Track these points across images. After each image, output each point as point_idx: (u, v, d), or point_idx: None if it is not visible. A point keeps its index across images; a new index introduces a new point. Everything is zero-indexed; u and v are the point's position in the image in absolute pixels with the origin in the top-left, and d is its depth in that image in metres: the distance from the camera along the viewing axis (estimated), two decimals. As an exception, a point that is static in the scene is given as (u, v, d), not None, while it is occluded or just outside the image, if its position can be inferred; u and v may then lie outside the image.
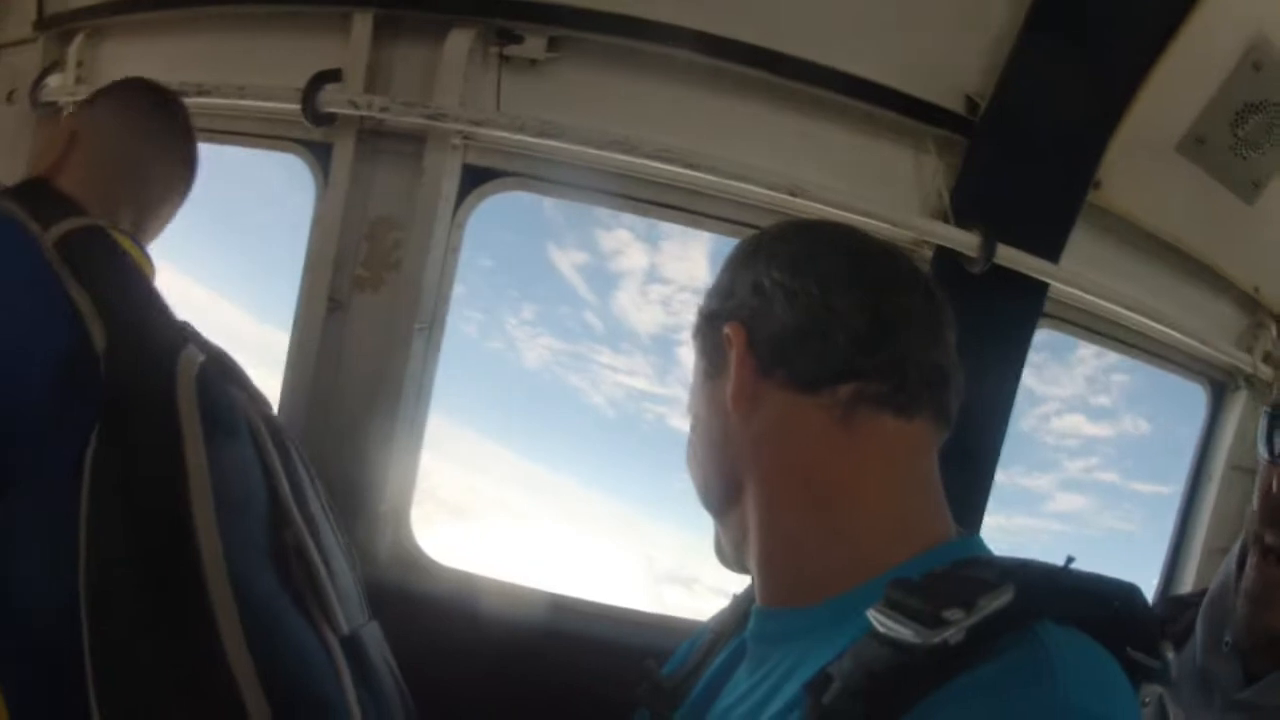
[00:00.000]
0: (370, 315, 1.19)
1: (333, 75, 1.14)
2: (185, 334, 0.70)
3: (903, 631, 0.44)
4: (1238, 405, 1.60)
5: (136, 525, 0.58)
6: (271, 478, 0.66)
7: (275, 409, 1.20)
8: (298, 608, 0.65)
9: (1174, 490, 1.64)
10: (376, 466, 1.20)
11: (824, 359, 0.57)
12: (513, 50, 1.14)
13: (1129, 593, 0.55)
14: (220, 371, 0.70)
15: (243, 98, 1.15)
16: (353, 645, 0.68)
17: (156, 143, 0.88)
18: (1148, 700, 0.49)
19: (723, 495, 0.63)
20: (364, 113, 1.12)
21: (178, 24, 1.17)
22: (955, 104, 1.24)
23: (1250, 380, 1.59)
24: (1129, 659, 0.49)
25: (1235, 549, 0.92)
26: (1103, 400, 1.59)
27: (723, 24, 1.16)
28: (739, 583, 0.67)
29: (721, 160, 1.16)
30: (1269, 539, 0.77)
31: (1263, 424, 0.83)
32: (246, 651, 0.57)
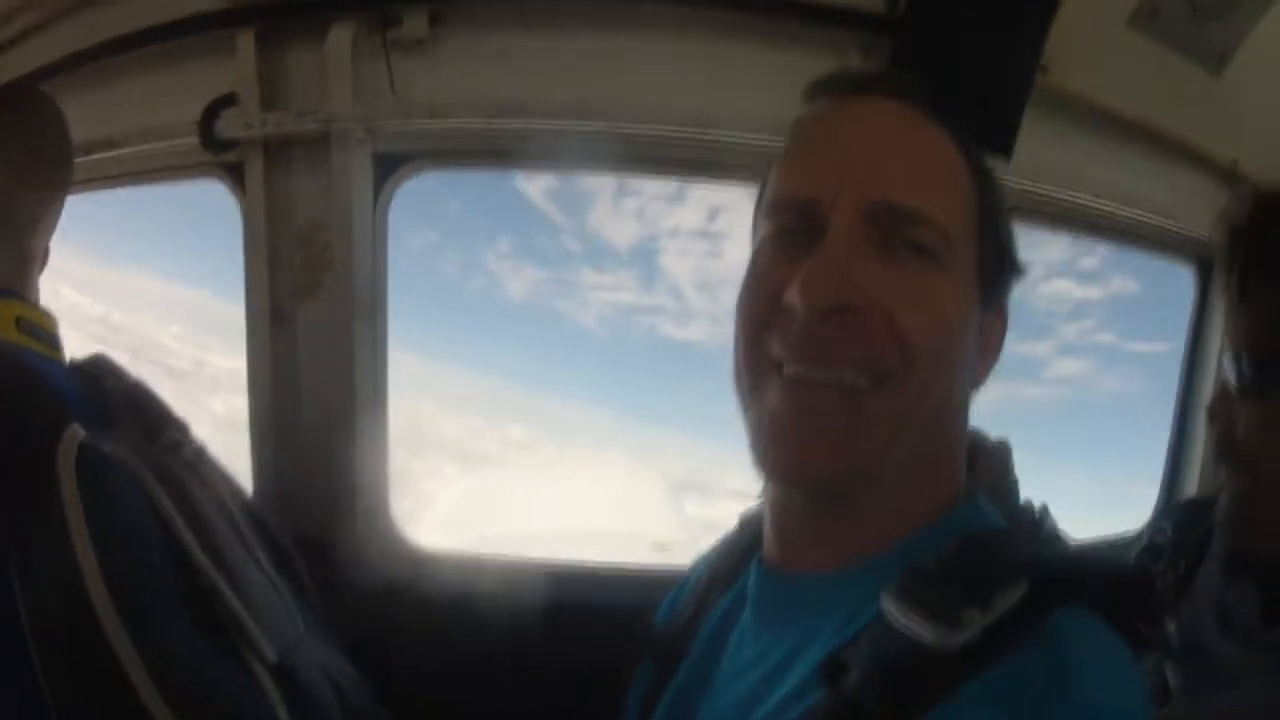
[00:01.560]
0: (315, 319, 1.21)
1: (229, 99, 1.16)
2: (67, 407, 0.70)
3: (922, 632, 0.46)
4: None
5: (37, 613, 0.60)
6: (169, 531, 0.67)
7: (248, 425, 1.26)
8: (221, 647, 0.67)
9: (1173, 347, 1.58)
10: (350, 466, 1.23)
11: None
12: (396, 34, 1.13)
13: (1134, 569, 0.56)
14: (110, 433, 0.71)
15: (148, 141, 1.19)
16: (284, 671, 0.70)
17: (6, 166, 0.82)
18: (1148, 666, 0.50)
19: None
20: (262, 131, 1.14)
21: (73, 82, 1.20)
22: (873, 3, 1.18)
23: None
24: (1133, 629, 0.49)
25: None
26: (1089, 262, 1.53)
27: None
28: (755, 485, 0.64)
29: (624, 104, 1.14)
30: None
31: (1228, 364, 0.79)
32: (165, 704, 0.60)
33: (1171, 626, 0.52)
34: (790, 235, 0.57)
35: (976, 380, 0.62)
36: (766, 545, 0.63)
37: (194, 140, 1.17)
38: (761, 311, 0.57)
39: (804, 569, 0.60)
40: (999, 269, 0.62)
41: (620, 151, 1.19)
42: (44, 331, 0.83)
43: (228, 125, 1.15)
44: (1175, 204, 1.52)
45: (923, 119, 0.59)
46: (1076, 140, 1.38)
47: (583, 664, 0.95)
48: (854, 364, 0.54)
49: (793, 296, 0.53)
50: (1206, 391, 1.56)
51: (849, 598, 0.54)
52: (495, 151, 1.21)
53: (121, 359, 0.86)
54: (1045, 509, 1.06)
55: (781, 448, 0.56)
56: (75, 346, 0.87)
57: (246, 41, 1.15)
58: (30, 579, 0.61)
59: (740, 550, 0.72)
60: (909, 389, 0.54)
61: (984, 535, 0.55)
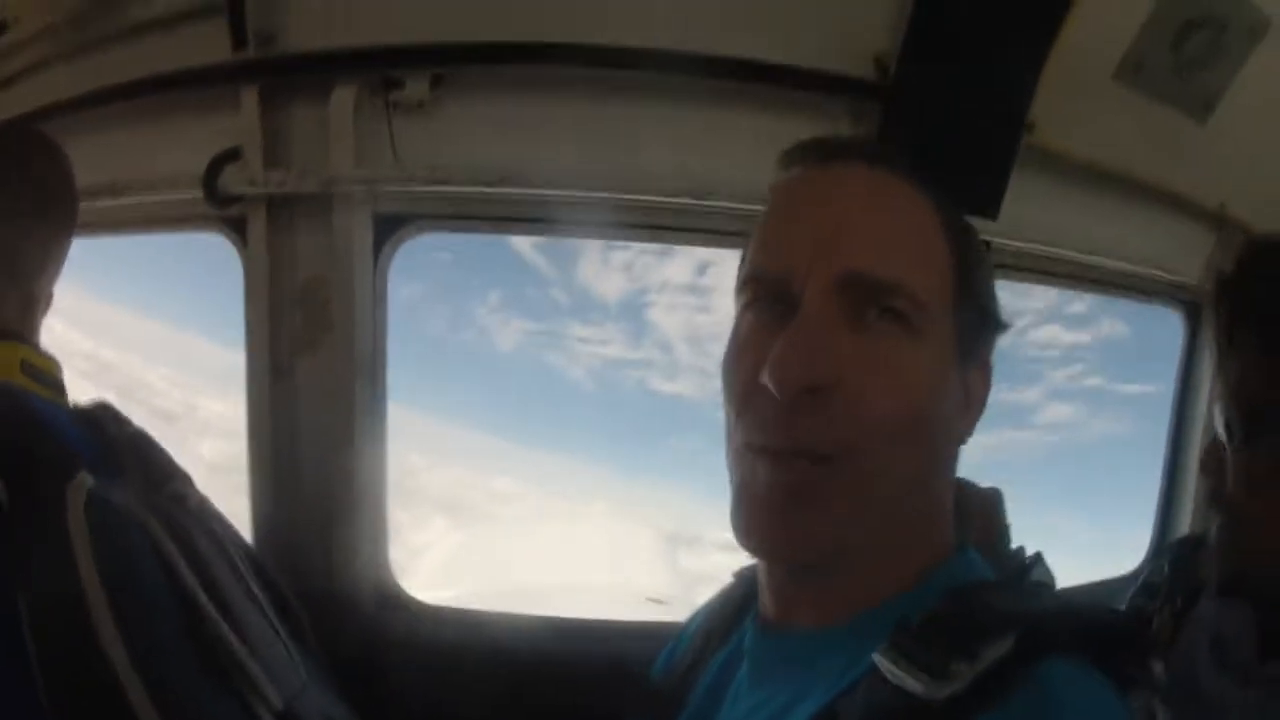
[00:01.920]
0: (315, 377, 1.23)
1: (233, 154, 1.17)
2: (76, 453, 0.71)
3: (911, 683, 0.47)
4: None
5: (48, 658, 0.61)
6: (175, 579, 0.69)
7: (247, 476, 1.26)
8: (228, 694, 0.68)
9: (1160, 389, 1.61)
10: (348, 518, 1.24)
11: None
12: (397, 96, 1.15)
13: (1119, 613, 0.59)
14: (117, 480, 0.72)
15: (151, 191, 1.20)
16: (288, 718, 0.72)
17: (12, 211, 0.82)
18: (1136, 706, 0.51)
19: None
20: (264, 190, 1.15)
21: (79, 126, 1.21)
22: (864, 69, 1.19)
23: None
24: (1120, 672, 0.51)
25: None
26: (1077, 307, 1.55)
27: (607, 33, 1.14)
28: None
29: (621, 171, 1.16)
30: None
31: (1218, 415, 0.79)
32: None
33: (1159, 667, 0.53)
34: (767, 306, 0.58)
35: (960, 435, 0.63)
36: (761, 602, 0.65)
37: (197, 193, 1.18)
38: (742, 391, 0.58)
39: (798, 626, 0.61)
40: (980, 327, 0.62)
41: (617, 218, 1.21)
42: (49, 377, 0.83)
43: (231, 181, 1.16)
44: (1163, 251, 1.55)
45: (895, 183, 0.60)
46: (1063, 196, 1.40)
47: (578, 717, 0.95)
48: (821, 442, 0.55)
49: (765, 377, 0.54)
50: (1197, 434, 1.59)
51: (842, 653, 0.56)
52: (493, 215, 1.22)
53: (110, 397, 0.87)
54: (1038, 556, 1.07)
55: (752, 527, 0.57)
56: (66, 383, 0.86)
57: (250, 97, 1.16)
58: (40, 620, 0.62)
59: (735, 605, 0.74)
60: (875, 464, 0.55)
61: (972, 589, 0.56)
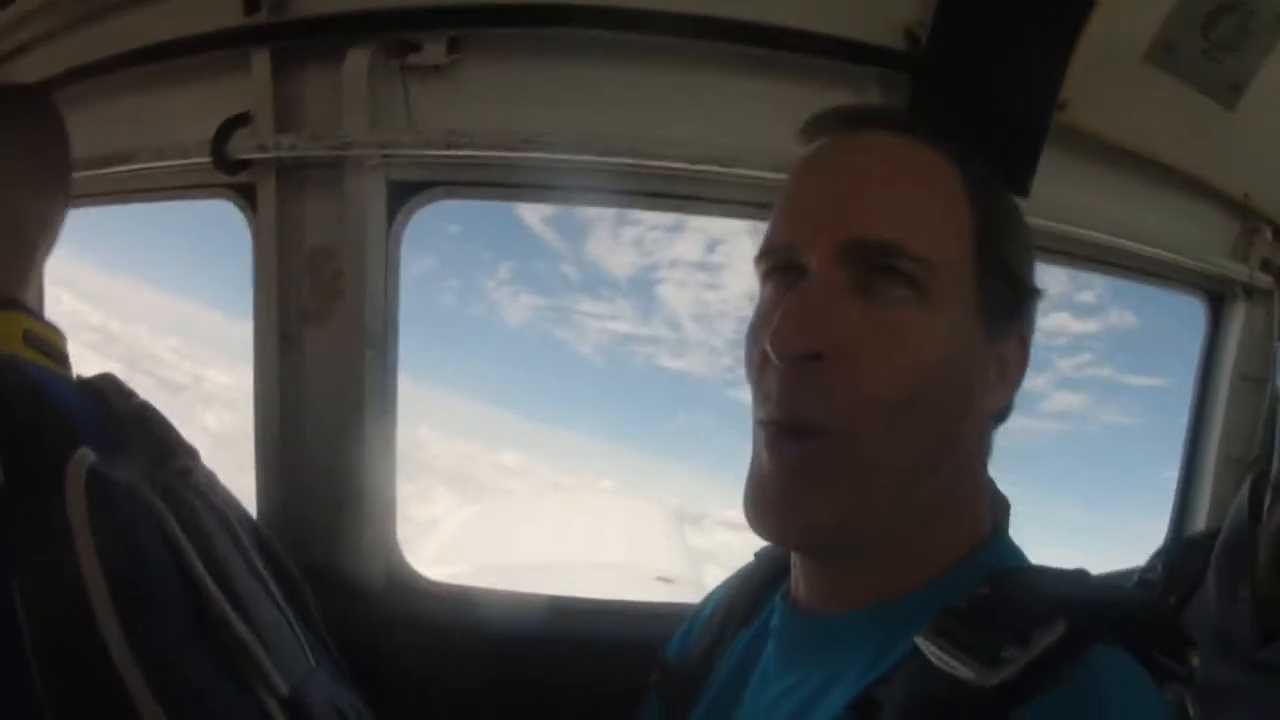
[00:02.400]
0: (324, 347, 1.20)
1: (243, 119, 1.14)
2: (77, 427, 0.68)
3: (961, 669, 0.46)
4: (1238, 315, 1.54)
5: (42, 639, 0.58)
6: (180, 556, 0.65)
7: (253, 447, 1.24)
8: (232, 679, 0.65)
9: (1169, 382, 1.60)
10: (356, 494, 1.22)
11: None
12: (414, 60, 1.12)
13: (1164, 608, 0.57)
14: (119, 456, 0.69)
15: (162, 158, 1.17)
16: (294, 703, 0.69)
17: (14, 174, 0.78)
18: (1169, 698, 0.50)
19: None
20: (275, 154, 1.12)
21: (87, 94, 1.18)
22: (894, 40, 1.16)
23: (1248, 290, 1.51)
24: (1158, 664, 0.49)
25: (1244, 490, 0.88)
26: (1087, 296, 1.54)
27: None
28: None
29: (640, 136, 1.13)
30: None
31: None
32: None
33: (1197, 660, 0.52)
34: (780, 277, 0.58)
35: (992, 410, 0.61)
36: (793, 583, 0.63)
37: (206, 159, 1.15)
38: (755, 366, 0.58)
39: (830, 609, 0.59)
40: (1008, 296, 0.59)
41: (634, 185, 1.18)
42: (52, 347, 0.80)
43: (240, 146, 1.14)
44: (1188, 238, 1.52)
45: (917, 149, 0.58)
46: (1090, 176, 1.38)
47: (585, 698, 0.94)
48: (816, 413, 0.54)
49: (767, 345, 0.54)
50: (1217, 427, 1.56)
51: (877, 637, 0.54)
52: (510, 182, 1.19)
53: (117, 369, 0.84)
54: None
55: (753, 507, 0.57)
56: (72, 354, 0.84)
57: (262, 61, 1.13)
58: (36, 604, 0.59)
59: (757, 585, 0.72)
60: (877, 440, 0.53)
61: (1016, 573, 0.55)
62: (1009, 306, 0.59)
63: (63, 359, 0.82)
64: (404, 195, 1.18)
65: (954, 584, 0.54)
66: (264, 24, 1.12)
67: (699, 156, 1.14)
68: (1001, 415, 0.62)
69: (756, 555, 0.75)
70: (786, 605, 0.63)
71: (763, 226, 0.60)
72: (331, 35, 1.12)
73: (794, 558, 0.62)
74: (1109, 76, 1.29)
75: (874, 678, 0.52)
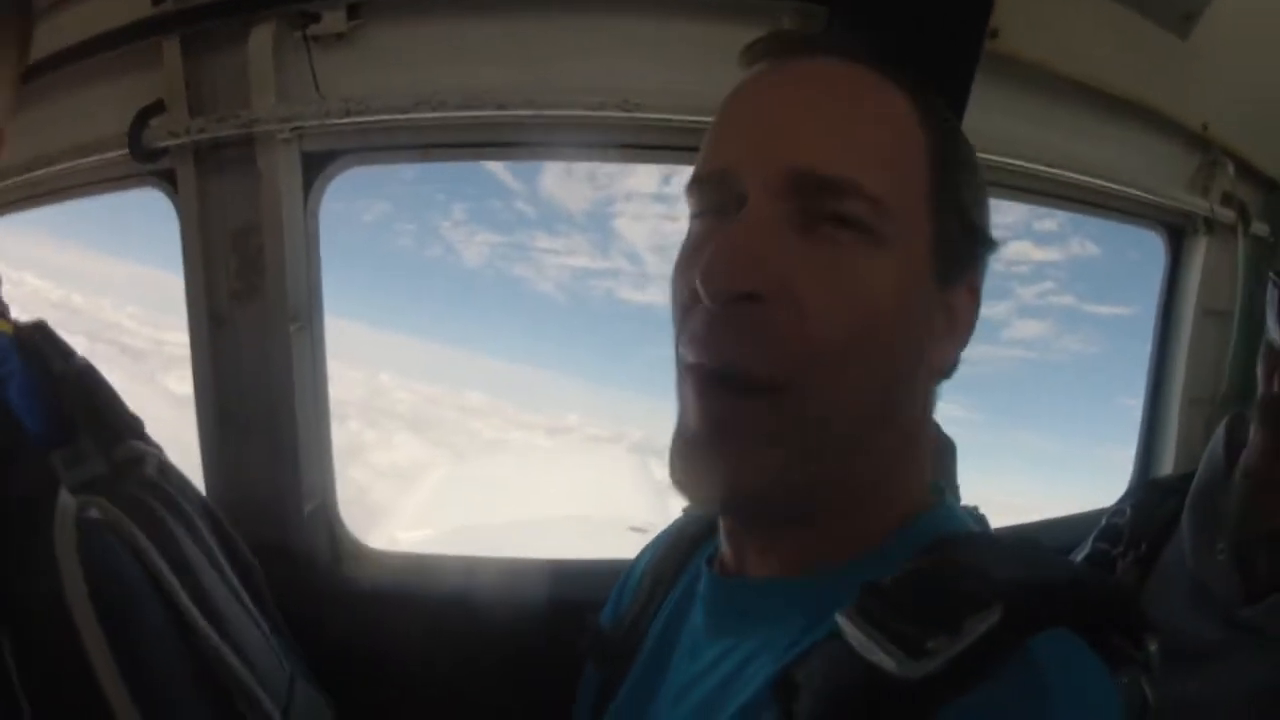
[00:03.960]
0: (252, 324, 1.21)
1: (158, 107, 1.16)
2: (50, 467, 0.66)
3: (882, 658, 0.41)
4: (1199, 249, 1.49)
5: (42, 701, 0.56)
6: (165, 594, 0.65)
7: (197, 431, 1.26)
8: (227, 713, 0.66)
9: (1134, 311, 1.56)
10: (295, 470, 1.23)
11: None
12: (315, 30, 1.13)
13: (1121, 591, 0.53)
14: (71, 448, 0.69)
15: (84, 155, 1.19)
16: None
17: None
18: (1125, 680, 0.47)
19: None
20: (187, 139, 1.13)
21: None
22: None
23: (1210, 224, 1.46)
24: (1112, 647, 0.45)
25: (1219, 434, 0.83)
26: (1047, 225, 1.51)
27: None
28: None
29: (551, 88, 1.12)
30: None
31: (1272, 294, 0.74)
32: None
33: (1155, 645, 0.47)
34: (714, 211, 0.53)
35: (940, 365, 0.56)
36: (721, 545, 0.59)
37: (125, 151, 1.17)
38: (680, 306, 0.53)
39: (759, 574, 0.56)
40: (963, 240, 0.55)
41: (549, 136, 1.17)
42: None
43: (156, 134, 1.15)
44: (1144, 171, 1.48)
45: (862, 74, 0.54)
46: (1038, 108, 1.34)
47: (540, 660, 0.93)
48: (756, 362, 0.49)
49: (698, 282, 0.48)
50: (1181, 360, 1.51)
51: (807, 606, 0.51)
52: (420, 143, 1.19)
53: (80, 343, 0.81)
54: (982, 515, 1.04)
55: (675, 464, 0.52)
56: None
57: (172, 49, 1.15)
58: (32, 666, 0.56)
59: (683, 546, 0.69)
60: (822, 394, 0.49)
61: (952, 547, 0.49)
62: (962, 252, 0.55)
63: (5, 310, 0.77)
64: (318, 166, 1.19)
65: (889, 554, 0.50)
66: (171, 11, 1.14)
67: (608, 103, 1.13)
68: (947, 373, 0.58)
69: (685, 511, 0.71)
70: (712, 571, 0.59)
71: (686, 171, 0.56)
72: (235, 15, 1.13)
73: (721, 519, 0.59)
74: (1042, 4, 1.25)
75: (797, 654, 0.48)
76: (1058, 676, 0.42)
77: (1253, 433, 0.76)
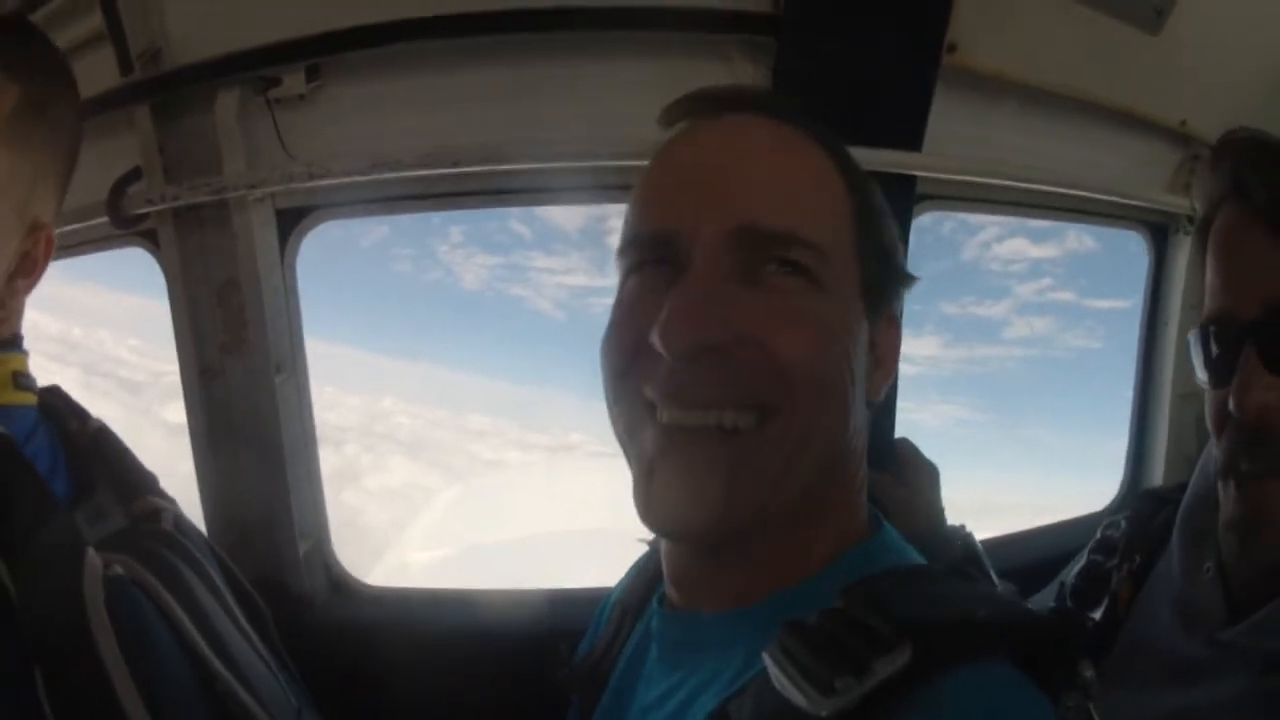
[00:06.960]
0: (241, 375, 1.26)
1: (135, 175, 1.21)
2: (46, 486, 0.68)
3: (794, 694, 0.43)
4: (1183, 247, 1.46)
5: None
6: (187, 642, 0.68)
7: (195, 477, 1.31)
8: None
9: (1133, 304, 1.54)
10: (288, 511, 1.29)
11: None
12: (276, 93, 1.16)
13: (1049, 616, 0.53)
14: (91, 502, 0.72)
15: (66, 222, 1.24)
16: None
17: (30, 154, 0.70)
18: (1071, 705, 0.48)
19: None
20: (162, 206, 1.18)
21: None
22: (756, 2, 1.13)
23: (1193, 220, 1.44)
24: (1046, 675, 0.47)
25: (1209, 451, 0.81)
26: (1042, 221, 1.50)
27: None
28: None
29: (507, 141, 1.15)
30: (1245, 466, 0.69)
31: (1195, 346, 0.75)
32: None
33: (1089, 669, 0.49)
34: (654, 268, 0.55)
35: (873, 395, 0.60)
36: (666, 585, 0.62)
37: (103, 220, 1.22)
38: (627, 354, 0.55)
39: (705, 609, 0.59)
40: (885, 278, 0.59)
41: (509, 184, 1.20)
42: (28, 376, 0.77)
43: (134, 200, 1.20)
44: (1124, 172, 1.46)
45: (789, 132, 0.57)
46: (1003, 120, 1.32)
47: (537, 689, 0.97)
48: (733, 404, 0.51)
49: (655, 339, 0.51)
50: (1169, 358, 1.49)
51: (748, 641, 0.52)
52: (393, 196, 1.23)
53: (75, 376, 0.84)
54: (969, 535, 1.03)
55: (661, 503, 0.54)
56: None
57: (143, 116, 1.19)
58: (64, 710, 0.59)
59: (649, 578, 0.72)
60: (796, 422, 0.52)
61: (878, 581, 0.51)
62: (886, 290, 0.59)
63: (30, 383, 0.79)
64: (292, 222, 1.24)
65: (821, 586, 0.52)
66: (140, 80, 1.18)
67: (566, 153, 1.15)
68: (878, 404, 0.61)
69: (651, 545, 0.75)
70: (663, 609, 0.62)
71: None
72: (200, 83, 1.17)
73: (664, 558, 0.61)
74: (1002, 14, 1.23)
75: (735, 690, 0.51)
76: (965, 711, 0.43)
77: (1220, 493, 0.73)
